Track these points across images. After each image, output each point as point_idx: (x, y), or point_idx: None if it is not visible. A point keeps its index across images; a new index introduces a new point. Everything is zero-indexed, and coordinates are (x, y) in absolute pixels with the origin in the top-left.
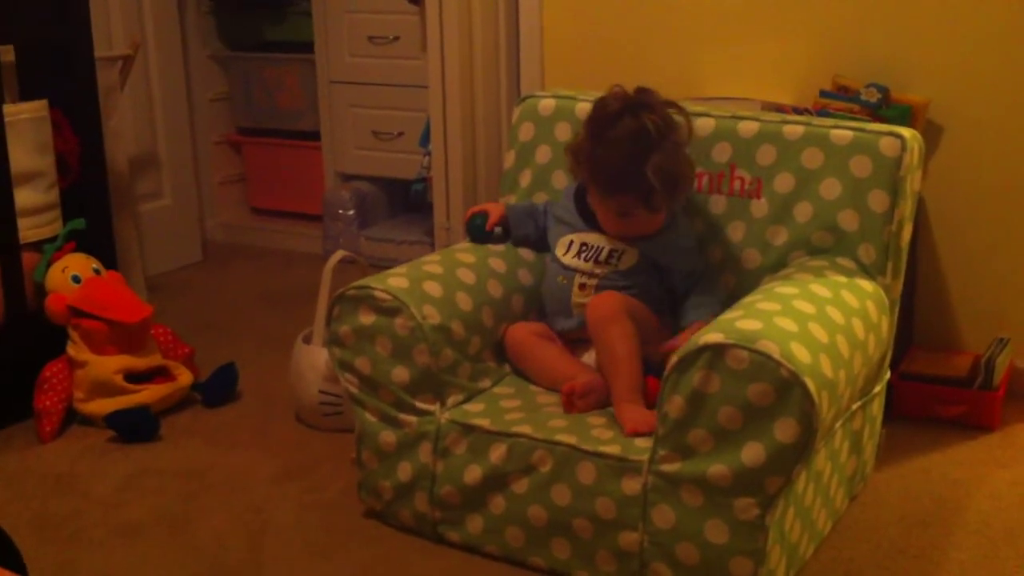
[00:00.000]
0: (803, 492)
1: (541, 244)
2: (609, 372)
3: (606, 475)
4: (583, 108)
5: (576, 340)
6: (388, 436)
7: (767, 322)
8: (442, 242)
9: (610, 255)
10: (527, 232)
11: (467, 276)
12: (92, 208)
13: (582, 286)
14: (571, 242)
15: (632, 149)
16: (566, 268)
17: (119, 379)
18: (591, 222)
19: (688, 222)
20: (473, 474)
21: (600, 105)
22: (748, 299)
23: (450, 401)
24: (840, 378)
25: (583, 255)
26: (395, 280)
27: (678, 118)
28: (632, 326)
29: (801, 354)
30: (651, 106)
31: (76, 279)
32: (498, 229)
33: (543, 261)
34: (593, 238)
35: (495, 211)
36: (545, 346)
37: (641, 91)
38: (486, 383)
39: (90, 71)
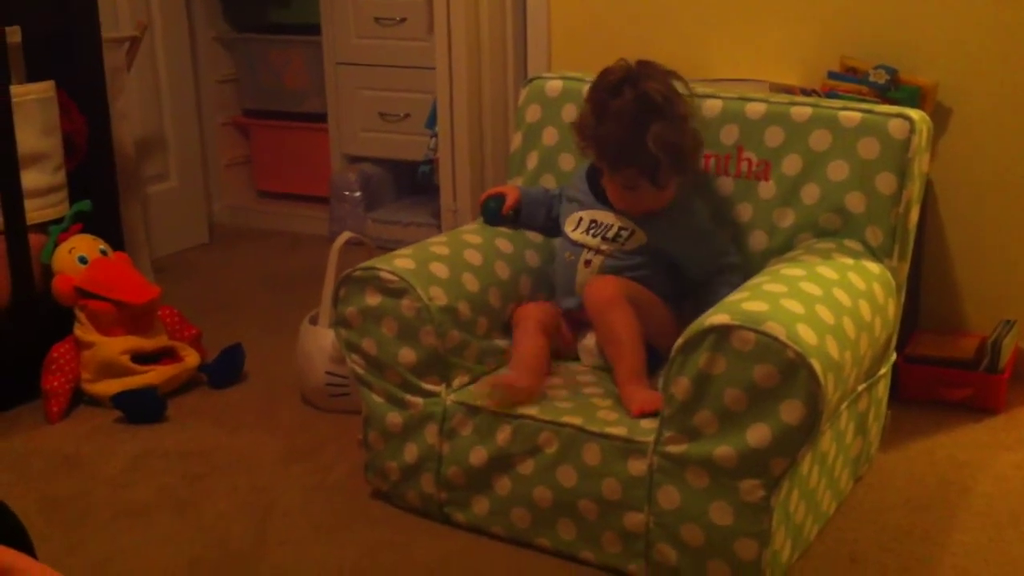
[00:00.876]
0: (808, 474)
1: (549, 231)
2: (612, 355)
3: (612, 456)
4: None
5: (581, 321)
6: (394, 417)
7: (773, 304)
8: (449, 224)
9: (618, 233)
10: (537, 220)
11: (474, 257)
12: (99, 190)
13: (587, 262)
14: (580, 219)
15: (634, 120)
16: (574, 244)
17: (126, 360)
18: (603, 200)
19: (704, 206)
20: (479, 455)
21: (601, 77)
22: (754, 281)
23: (456, 382)
24: (846, 360)
25: (591, 231)
26: (401, 261)
27: (681, 89)
28: (631, 309)
29: (807, 336)
30: (652, 76)
31: (83, 260)
32: (511, 213)
33: (550, 243)
34: (603, 216)
35: (511, 194)
36: (528, 334)
37: (642, 63)
38: (492, 364)
39: (97, 53)
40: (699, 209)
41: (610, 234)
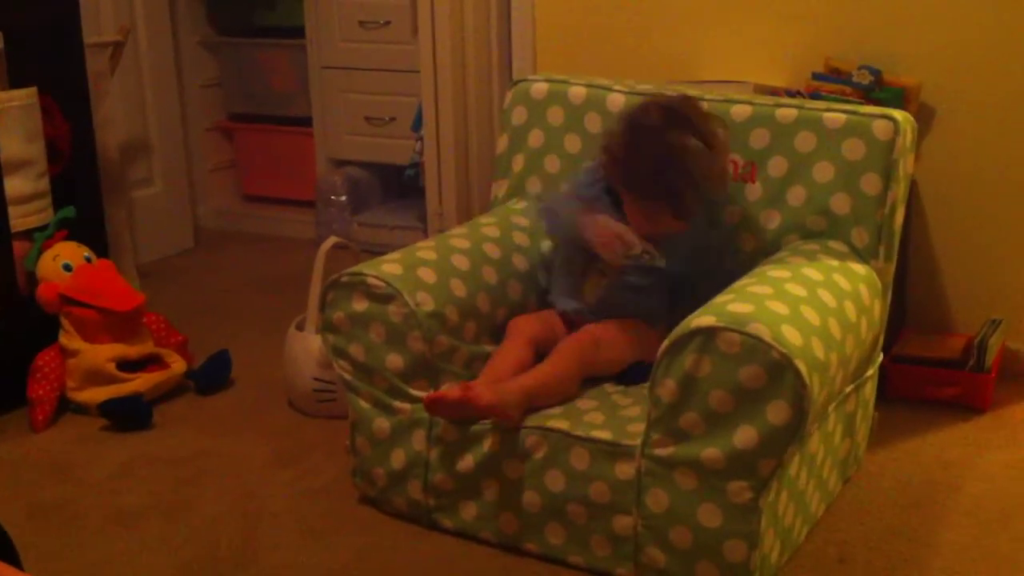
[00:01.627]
0: (796, 475)
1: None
2: (547, 361)
3: (599, 460)
4: (576, 92)
5: (577, 323)
6: (382, 423)
7: (758, 305)
8: (435, 227)
9: (641, 255)
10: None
11: (461, 262)
12: (83, 196)
13: (602, 273)
14: None
15: (669, 162)
16: (588, 254)
17: (111, 367)
18: (619, 217)
19: (705, 223)
20: (467, 461)
21: (643, 113)
22: (740, 283)
23: (444, 388)
24: (832, 360)
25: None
26: (389, 266)
27: (719, 131)
28: (585, 369)
29: (792, 336)
30: (693, 120)
31: (67, 267)
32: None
33: (537, 245)
34: None
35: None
36: (511, 349)
37: (684, 101)
38: (480, 370)
39: (80, 58)
40: (705, 233)
41: (637, 251)
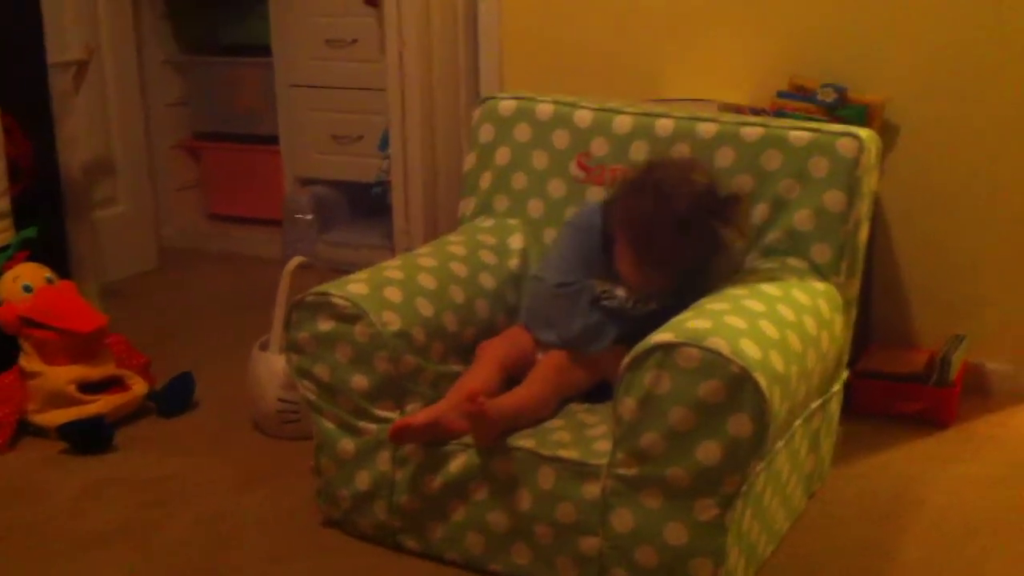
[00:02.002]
0: (762, 491)
1: None
2: (520, 386)
3: (566, 480)
4: (544, 109)
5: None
6: (347, 444)
7: (716, 320)
8: (402, 245)
9: (634, 305)
10: None
11: (428, 281)
12: (45, 215)
13: (604, 344)
14: (592, 284)
15: (690, 248)
16: (602, 309)
17: (72, 389)
18: (614, 274)
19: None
20: (432, 482)
21: (678, 200)
22: (699, 302)
23: (410, 408)
24: (792, 373)
25: (606, 301)
26: (354, 286)
27: (738, 219)
28: (556, 401)
29: (751, 350)
30: (719, 210)
31: (28, 289)
32: None
33: (505, 265)
34: (614, 287)
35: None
36: (479, 372)
37: (730, 197)
38: (447, 390)
39: (43, 76)
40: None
41: (628, 305)
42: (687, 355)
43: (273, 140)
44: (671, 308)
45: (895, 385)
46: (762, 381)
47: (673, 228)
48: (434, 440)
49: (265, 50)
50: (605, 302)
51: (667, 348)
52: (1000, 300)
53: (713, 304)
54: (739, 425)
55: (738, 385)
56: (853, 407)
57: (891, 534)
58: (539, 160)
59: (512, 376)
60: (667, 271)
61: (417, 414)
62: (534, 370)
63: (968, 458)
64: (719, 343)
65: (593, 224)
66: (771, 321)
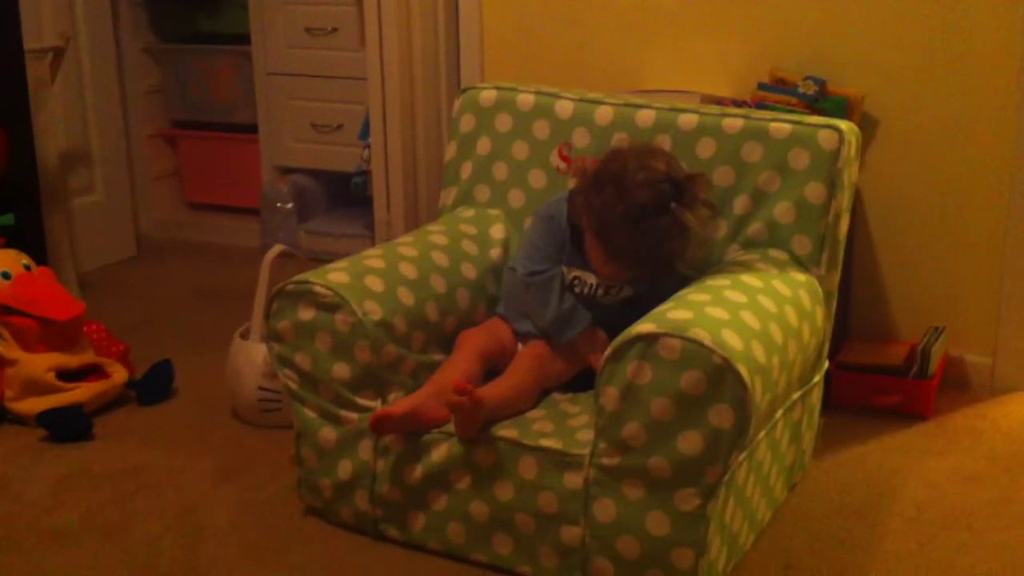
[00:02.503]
0: (743, 482)
1: None
2: (501, 377)
3: (547, 469)
4: (524, 99)
5: (527, 338)
6: (328, 433)
7: (698, 311)
8: (382, 235)
9: (607, 291)
10: None
11: (409, 271)
12: (22, 203)
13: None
14: (570, 273)
15: (654, 237)
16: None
17: (51, 377)
18: (586, 260)
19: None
20: (414, 471)
21: (638, 191)
22: (680, 292)
23: (391, 398)
24: (774, 364)
25: (576, 287)
26: (335, 275)
27: (707, 213)
28: (539, 388)
29: (733, 340)
30: (679, 194)
31: (6, 276)
32: None
33: (487, 255)
34: (586, 275)
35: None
36: (459, 362)
37: (690, 179)
38: (428, 379)
39: (19, 64)
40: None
41: (600, 292)
42: (669, 346)
43: (251, 129)
44: (646, 295)
45: (874, 378)
46: (744, 372)
47: (633, 219)
48: (414, 429)
49: (243, 39)
50: (576, 289)
51: (649, 339)
52: (979, 292)
53: (695, 295)
54: (721, 416)
55: (720, 376)
56: (833, 400)
57: (869, 526)
58: (520, 151)
59: (491, 367)
60: (634, 261)
61: (397, 404)
62: (515, 361)
63: (947, 451)
64: (701, 334)
65: (561, 212)
66: (753, 312)
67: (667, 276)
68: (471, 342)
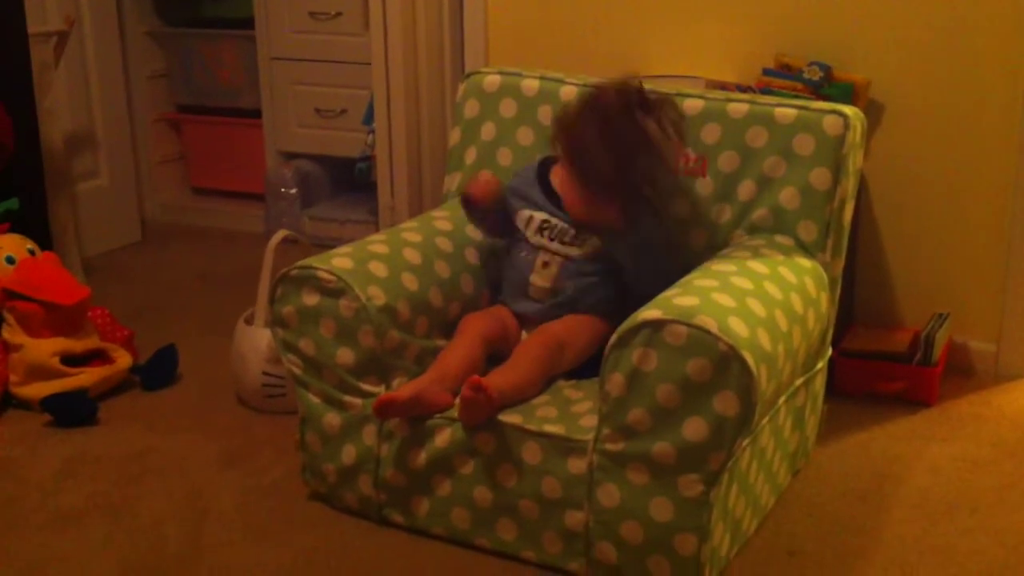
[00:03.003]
0: (747, 468)
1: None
2: (508, 364)
3: (551, 455)
4: (529, 85)
5: (531, 321)
6: (332, 418)
7: (704, 298)
8: (386, 221)
9: (575, 237)
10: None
11: (413, 256)
12: (26, 188)
13: (545, 264)
14: (531, 217)
15: (628, 150)
16: (531, 245)
17: (56, 362)
18: (554, 202)
19: (663, 228)
20: (418, 456)
21: (604, 95)
22: (686, 278)
23: (395, 383)
24: (779, 352)
25: (545, 232)
26: (339, 260)
27: (675, 135)
28: (551, 365)
29: (739, 328)
30: (646, 104)
31: (10, 260)
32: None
33: (491, 241)
34: (555, 218)
35: (493, 181)
36: (460, 347)
37: (655, 95)
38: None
39: (23, 48)
40: (654, 228)
41: (567, 237)
42: (675, 332)
43: (255, 114)
44: (614, 249)
45: (878, 364)
46: (750, 360)
47: (601, 123)
48: (418, 415)
49: (247, 23)
50: (545, 233)
51: (655, 325)
52: (984, 279)
53: (701, 281)
54: (726, 403)
55: (725, 363)
56: (837, 386)
57: (874, 512)
58: (524, 136)
59: (494, 351)
60: (604, 182)
61: (401, 389)
62: (524, 348)
63: (950, 437)
64: (707, 321)
65: (529, 167)
66: (758, 299)
67: (636, 227)
68: (474, 326)
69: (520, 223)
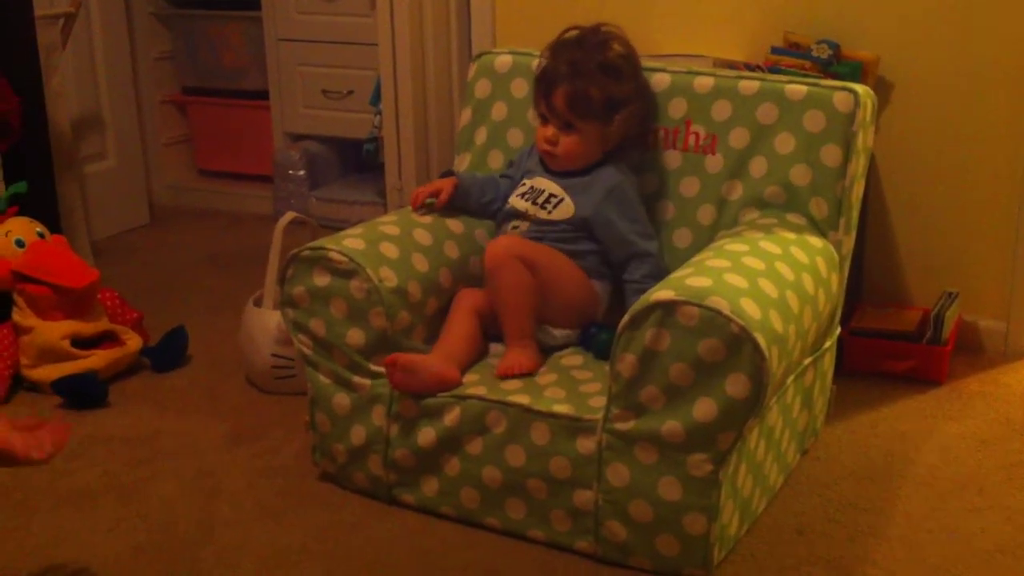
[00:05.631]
0: (755, 448)
1: (481, 215)
2: (499, 315)
3: (560, 435)
4: None
5: None
6: (342, 399)
7: (717, 279)
8: (394, 202)
9: (548, 199)
10: (468, 206)
11: (424, 237)
12: (34, 171)
13: (515, 227)
14: (524, 184)
15: (577, 72)
16: (508, 212)
17: (66, 345)
18: (547, 168)
19: (634, 191)
20: (427, 436)
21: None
22: (698, 257)
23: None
24: (790, 333)
25: (526, 196)
26: (351, 241)
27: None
28: (522, 271)
29: (751, 309)
30: (619, 40)
31: (20, 243)
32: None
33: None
34: (542, 182)
35: (446, 188)
36: (457, 319)
37: (597, 27)
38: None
39: (30, 30)
40: (627, 188)
41: (540, 199)
42: (687, 313)
43: (262, 95)
44: (589, 230)
45: (888, 343)
46: (761, 341)
47: (560, 53)
48: (425, 388)
49: (253, 4)
50: (527, 198)
51: (667, 306)
52: (994, 258)
53: (714, 261)
54: (737, 385)
55: (737, 345)
56: (846, 365)
57: (883, 491)
58: (536, 117)
59: (489, 324)
60: (563, 108)
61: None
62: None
63: (959, 416)
64: (719, 302)
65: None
66: (770, 279)
67: (611, 175)
68: (467, 300)
69: (516, 191)
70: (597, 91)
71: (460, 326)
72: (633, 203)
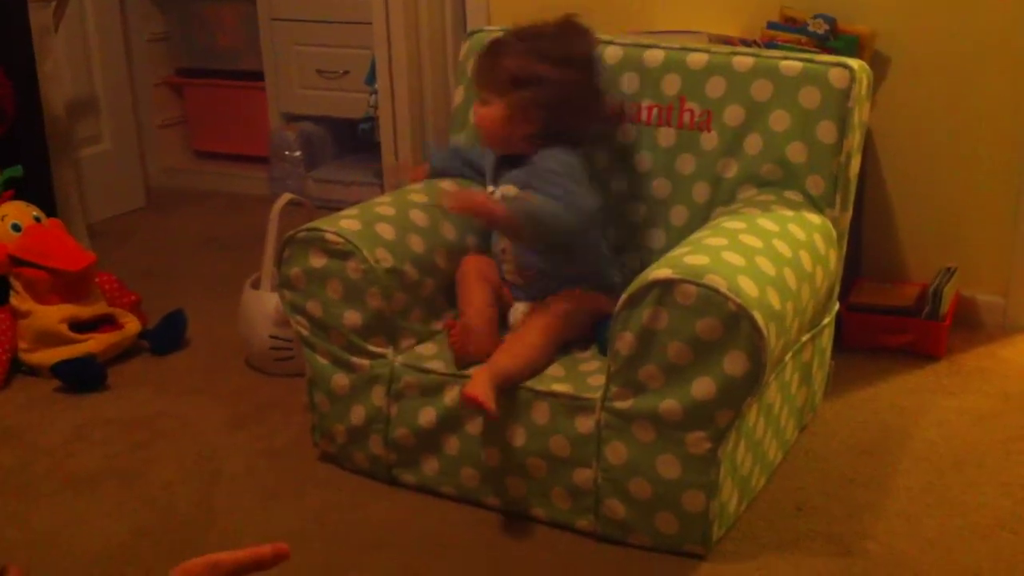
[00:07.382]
0: (754, 425)
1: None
2: (508, 347)
3: (559, 414)
4: None
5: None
6: (341, 379)
7: (714, 257)
8: (391, 183)
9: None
10: (457, 169)
11: (420, 218)
12: (29, 155)
13: (503, 251)
14: (492, 193)
15: (514, 34)
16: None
17: (64, 328)
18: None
19: (572, 165)
20: (427, 416)
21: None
22: (696, 235)
23: (403, 344)
24: (788, 310)
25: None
26: (347, 222)
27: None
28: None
29: (748, 287)
30: (542, 32)
31: (16, 227)
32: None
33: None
34: (504, 190)
35: (419, 175)
36: (476, 289)
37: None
38: (438, 325)
39: (22, 13)
40: (562, 160)
41: (486, 156)
42: (685, 291)
43: (257, 76)
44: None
45: (886, 318)
46: (759, 319)
47: (502, 43)
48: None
49: None
50: (491, 184)
51: (665, 285)
52: (992, 232)
53: (711, 239)
54: (735, 362)
55: (735, 323)
56: (844, 341)
57: (881, 466)
58: None
59: (493, 290)
60: (475, 78)
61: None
62: (536, 326)
63: (958, 391)
64: (717, 280)
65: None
66: (768, 257)
67: (551, 156)
68: (474, 267)
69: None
70: (507, 65)
71: (479, 296)
72: (553, 172)
